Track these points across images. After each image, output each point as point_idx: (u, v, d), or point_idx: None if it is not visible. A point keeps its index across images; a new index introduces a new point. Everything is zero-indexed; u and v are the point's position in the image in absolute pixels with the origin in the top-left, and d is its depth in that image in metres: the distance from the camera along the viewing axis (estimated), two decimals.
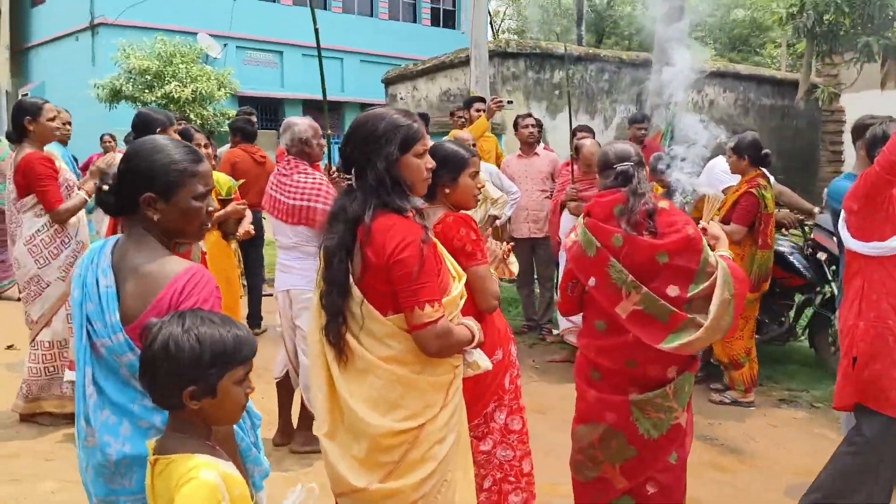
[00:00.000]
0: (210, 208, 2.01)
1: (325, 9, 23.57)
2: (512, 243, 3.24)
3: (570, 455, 3.42)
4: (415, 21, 26.08)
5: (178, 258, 1.95)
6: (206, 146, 4.76)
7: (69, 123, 6.38)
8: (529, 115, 7.29)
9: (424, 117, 8.44)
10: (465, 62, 12.42)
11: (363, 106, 24.50)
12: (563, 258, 6.45)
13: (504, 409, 2.96)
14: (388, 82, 14.27)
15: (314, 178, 4.46)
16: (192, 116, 14.23)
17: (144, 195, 1.93)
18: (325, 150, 4.75)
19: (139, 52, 14.83)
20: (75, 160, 7.38)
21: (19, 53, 23.83)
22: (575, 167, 6.30)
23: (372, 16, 24.59)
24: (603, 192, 3.32)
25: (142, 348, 1.72)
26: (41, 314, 4.67)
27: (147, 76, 14.44)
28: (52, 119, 4.66)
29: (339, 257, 2.44)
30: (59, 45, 21.78)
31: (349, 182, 2.52)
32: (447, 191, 2.95)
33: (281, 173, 4.52)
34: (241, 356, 1.71)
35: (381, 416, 2.42)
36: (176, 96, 14.14)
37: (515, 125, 7.31)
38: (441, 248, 2.61)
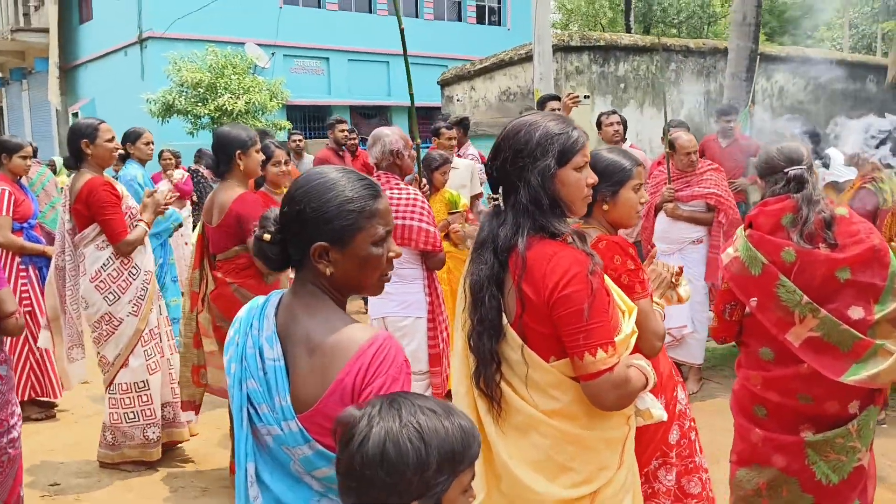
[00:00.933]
0: (391, 253, 1.64)
1: (370, 12, 23.35)
2: (682, 265, 2.77)
3: None
4: (460, 20, 25.71)
5: (360, 324, 1.57)
6: (286, 163, 4.41)
7: (152, 143, 6.16)
8: (614, 113, 6.82)
9: (463, 122, 7.98)
10: (526, 59, 11.99)
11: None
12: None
13: (672, 469, 2.50)
14: (445, 83, 13.90)
15: (408, 194, 4.11)
16: None
17: (315, 245, 1.56)
18: (416, 161, 4.40)
19: (190, 64, 14.68)
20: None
21: (68, 71, 24.06)
22: (671, 165, 5.83)
23: (417, 17, 24.25)
24: (767, 200, 2.87)
25: (338, 451, 1.32)
26: (117, 355, 4.34)
27: (199, 89, 14.29)
28: (111, 140, 4.35)
29: (490, 293, 2.07)
30: (107, 61, 21.90)
31: (496, 203, 2.15)
32: (605, 207, 2.53)
33: None
34: (470, 455, 1.32)
35: (548, 482, 2.04)
36: (229, 108, 13.97)
37: (599, 124, 6.86)
38: (607, 280, 2.21)
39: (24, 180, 5.40)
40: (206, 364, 4.15)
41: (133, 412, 4.36)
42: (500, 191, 2.14)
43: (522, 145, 2.05)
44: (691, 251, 5.75)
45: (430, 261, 4.11)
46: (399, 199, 4.06)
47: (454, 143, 7.19)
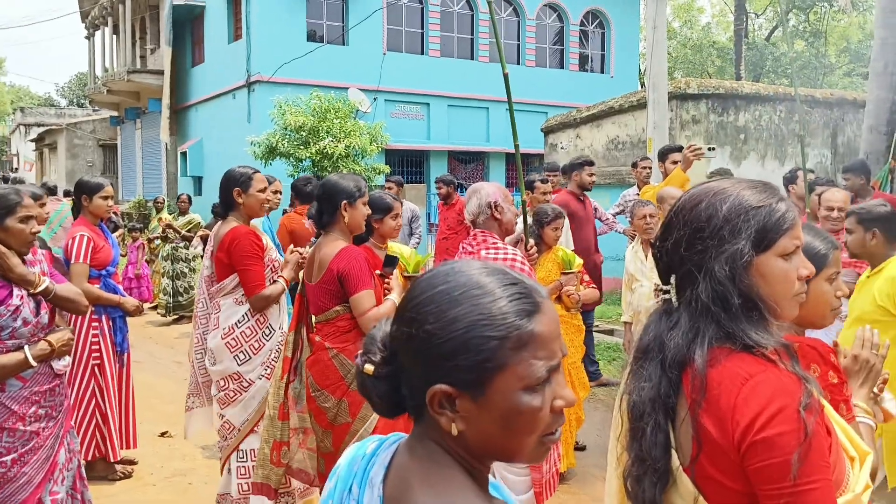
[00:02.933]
0: (559, 402, 1.07)
1: (471, 59, 23.24)
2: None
3: None
4: (562, 67, 25.30)
5: None
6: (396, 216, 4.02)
7: (279, 192, 5.92)
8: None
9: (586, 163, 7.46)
10: (637, 107, 11.42)
11: (509, 156, 23.84)
12: None
13: None
14: (548, 130, 13.43)
15: (505, 254, 3.61)
16: (344, 172, 13.78)
17: (433, 390, 1.03)
18: (520, 217, 3.91)
19: (294, 107, 14.74)
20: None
21: (179, 111, 24.86)
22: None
23: (518, 63, 23.99)
24: None
25: None
26: (245, 420, 4.00)
27: (302, 132, 14.28)
28: (263, 190, 4.14)
29: (654, 422, 1.50)
30: (216, 103, 22.47)
31: (666, 295, 1.60)
32: None
33: (465, 251, 3.68)
34: None
35: None
36: (330, 152, 13.87)
37: (793, 180, 6.20)
38: (829, 411, 1.59)
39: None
40: (290, 441, 3.70)
41: None
42: (672, 281, 1.58)
43: (703, 222, 1.51)
44: (839, 329, 4.99)
45: None
46: (494, 259, 3.53)
47: (550, 197, 6.66)
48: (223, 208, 4.13)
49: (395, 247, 4.83)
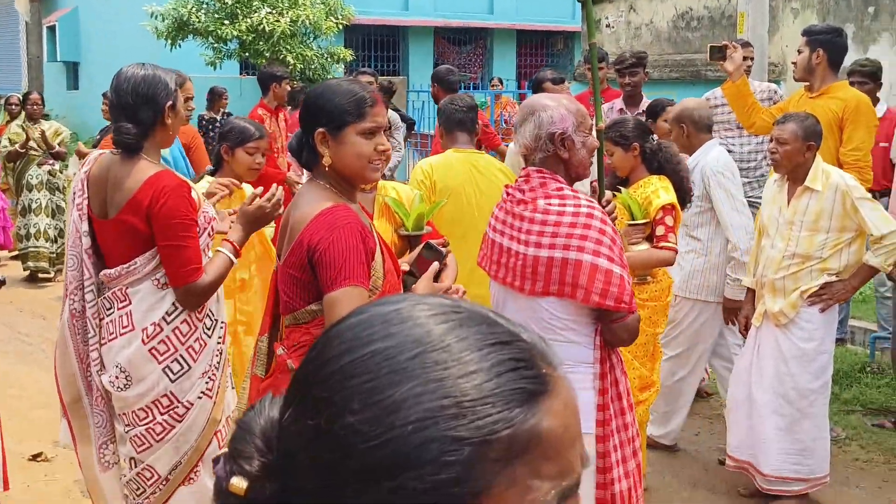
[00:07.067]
0: None
1: None
2: None
3: None
4: None
5: None
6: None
7: (191, 98, 5.61)
8: None
9: (639, 58, 7.38)
10: None
11: (522, 34, 23.59)
12: None
13: None
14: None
15: (576, 206, 3.40)
16: (289, 59, 13.81)
17: None
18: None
19: None
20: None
21: None
22: None
23: None
24: None
25: None
26: (176, 463, 3.71)
27: (227, 1, 14.16)
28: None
29: None
30: None
31: None
32: None
33: (513, 198, 3.52)
34: None
35: None
36: (268, 29, 13.77)
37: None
38: None
39: None
40: None
41: None
42: None
43: None
44: None
45: (612, 329, 3.39)
46: (560, 213, 3.37)
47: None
48: (140, 134, 3.62)
49: (387, 185, 4.56)
